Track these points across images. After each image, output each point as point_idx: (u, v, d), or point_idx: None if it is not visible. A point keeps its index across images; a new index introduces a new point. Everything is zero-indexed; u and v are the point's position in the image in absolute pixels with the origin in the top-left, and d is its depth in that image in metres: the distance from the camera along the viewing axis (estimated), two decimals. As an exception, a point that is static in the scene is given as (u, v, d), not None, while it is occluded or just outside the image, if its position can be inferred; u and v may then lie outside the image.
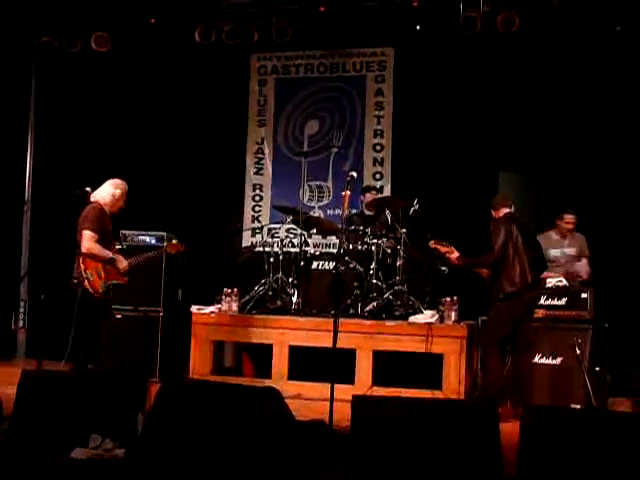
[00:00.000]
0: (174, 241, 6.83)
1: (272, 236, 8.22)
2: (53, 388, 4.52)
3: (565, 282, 6.76)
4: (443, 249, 6.43)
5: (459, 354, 6.64)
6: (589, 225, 7.63)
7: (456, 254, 6.40)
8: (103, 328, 6.10)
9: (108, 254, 6.10)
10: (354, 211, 8.38)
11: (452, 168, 8.49)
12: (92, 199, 6.22)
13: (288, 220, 8.05)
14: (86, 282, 5.97)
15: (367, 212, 8.10)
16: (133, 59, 9.26)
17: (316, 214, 9.06)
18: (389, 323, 6.95)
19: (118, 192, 6.26)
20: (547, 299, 6.60)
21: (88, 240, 6.01)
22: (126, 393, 4.40)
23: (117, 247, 6.37)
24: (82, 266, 6.00)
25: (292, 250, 8.10)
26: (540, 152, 8.28)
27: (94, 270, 6.03)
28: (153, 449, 3.99)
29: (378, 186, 8.95)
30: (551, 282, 6.75)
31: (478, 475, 3.55)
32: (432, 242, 6.52)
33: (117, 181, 6.32)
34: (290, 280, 7.55)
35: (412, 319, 6.90)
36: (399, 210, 7.60)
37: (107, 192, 6.24)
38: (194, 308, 7.45)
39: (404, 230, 7.38)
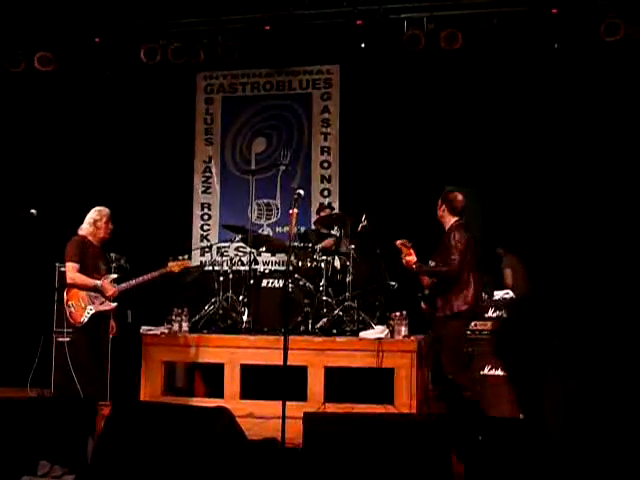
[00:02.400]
0: (180, 258, 6.77)
1: (221, 255, 8.16)
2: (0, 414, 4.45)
3: (512, 294, 6.87)
4: (405, 250, 6.24)
5: (410, 368, 6.66)
6: (535, 241, 7.77)
7: (415, 259, 6.19)
8: (80, 356, 6.15)
9: (91, 282, 6.19)
10: (303, 229, 8.42)
11: (399, 183, 8.59)
12: (79, 232, 6.34)
13: (237, 238, 8.06)
14: (67, 313, 6.12)
15: (320, 229, 8.14)
16: (78, 79, 9.18)
17: (265, 232, 9.08)
18: (340, 339, 6.97)
19: (96, 219, 6.34)
20: (495, 311, 6.70)
21: (69, 271, 6.17)
22: (75, 417, 4.35)
23: (112, 276, 6.39)
24: (65, 297, 6.17)
25: (242, 268, 8.11)
26: (485, 167, 8.44)
27: (77, 300, 6.15)
28: (103, 474, 3.94)
29: (326, 202, 9.00)
30: (498, 294, 6.86)
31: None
32: (399, 241, 6.28)
33: (95, 209, 6.41)
34: (240, 298, 7.55)
35: (362, 334, 6.92)
36: (347, 226, 7.66)
37: (87, 222, 6.36)
38: (144, 329, 7.38)
39: (352, 246, 7.43)
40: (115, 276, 6.40)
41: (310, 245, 7.70)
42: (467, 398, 5.89)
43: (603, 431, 3.10)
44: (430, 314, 6.28)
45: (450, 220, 6.20)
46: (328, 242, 7.83)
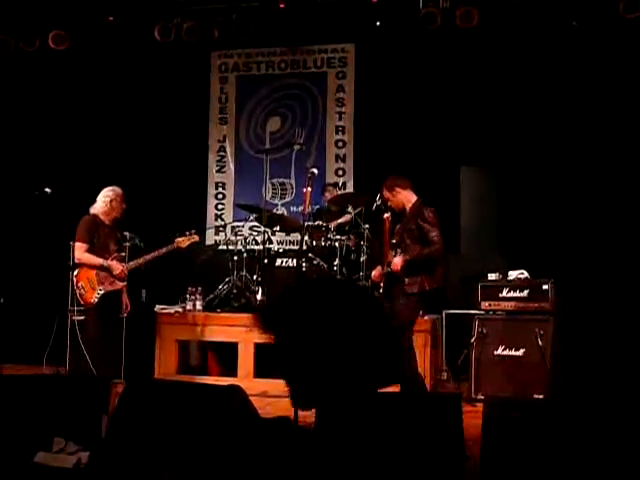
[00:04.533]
0: (187, 233, 6.77)
1: (235, 234, 8.19)
2: (13, 391, 4.46)
3: (526, 274, 6.83)
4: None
5: (424, 348, 6.66)
6: (548, 218, 7.71)
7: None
8: (92, 335, 6.20)
9: (98, 262, 6.23)
10: (317, 208, 8.41)
11: (414, 163, 8.50)
12: (91, 211, 6.38)
13: (251, 218, 8.06)
14: (78, 294, 6.20)
15: (333, 208, 8.11)
16: (92, 58, 9.16)
17: (279, 211, 9.07)
18: (354, 319, 6.95)
19: (111, 198, 6.37)
20: (509, 291, 6.67)
21: (77, 250, 6.23)
22: (89, 395, 4.36)
23: (122, 254, 6.44)
24: (75, 279, 6.22)
25: (255, 248, 8.09)
26: (502, 146, 8.35)
27: (86, 281, 6.21)
28: (117, 451, 3.95)
29: (340, 182, 8.98)
30: (513, 274, 6.82)
31: (441, 469, 3.58)
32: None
33: (108, 188, 6.44)
34: (254, 278, 7.57)
35: (376, 314, 6.88)
36: (362, 206, 7.63)
37: (99, 201, 6.39)
38: (158, 308, 7.41)
39: (367, 226, 7.40)
40: (123, 254, 6.40)
41: (324, 224, 7.68)
42: (411, 373, 5.78)
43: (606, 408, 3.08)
44: (387, 289, 6.04)
45: (412, 199, 6.05)
46: (346, 218, 7.77)
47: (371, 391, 2.57)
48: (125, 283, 6.36)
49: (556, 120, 8.18)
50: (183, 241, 6.70)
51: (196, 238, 6.85)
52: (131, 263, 6.43)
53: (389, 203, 6.05)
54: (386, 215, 5.91)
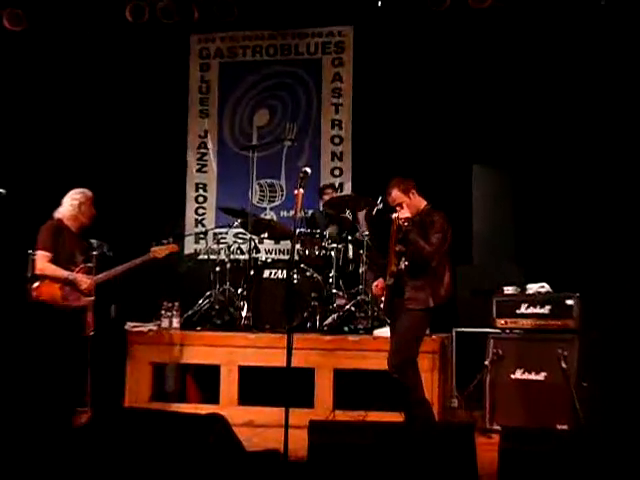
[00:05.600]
0: (164, 242, 6.73)
1: (218, 242, 8.17)
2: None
3: (548, 287, 6.81)
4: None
5: (431, 371, 6.62)
6: (572, 224, 7.70)
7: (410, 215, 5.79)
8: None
9: (63, 274, 6.13)
10: (310, 212, 8.40)
11: (420, 162, 8.50)
12: (55, 215, 6.29)
13: (236, 224, 8.04)
14: None
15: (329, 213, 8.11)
16: (53, 40, 9.11)
17: (267, 216, 9.07)
18: (352, 338, 6.94)
19: (77, 202, 6.30)
20: (528, 307, 6.64)
21: (39, 261, 6.11)
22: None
23: (89, 265, 6.34)
24: (34, 293, 6.08)
25: (241, 257, 8.10)
26: (519, 141, 8.33)
27: (48, 296, 6.08)
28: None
29: (337, 183, 8.97)
30: (533, 288, 6.79)
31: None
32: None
33: (76, 191, 6.37)
34: (239, 291, 7.55)
35: (377, 333, 6.88)
36: (361, 210, 7.61)
37: (66, 204, 6.31)
38: (129, 325, 7.37)
39: (367, 233, 7.37)
40: (90, 265, 6.34)
41: (318, 231, 7.67)
42: (416, 400, 5.78)
43: None
44: (389, 304, 6.06)
45: (421, 204, 5.99)
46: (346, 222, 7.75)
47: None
48: (93, 298, 6.30)
49: (581, 111, 8.16)
50: (160, 251, 6.66)
51: (175, 248, 6.82)
52: (100, 276, 6.34)
53: (399, 208, 5.96)
54: (395, 215, 5.87)
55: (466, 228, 7.88)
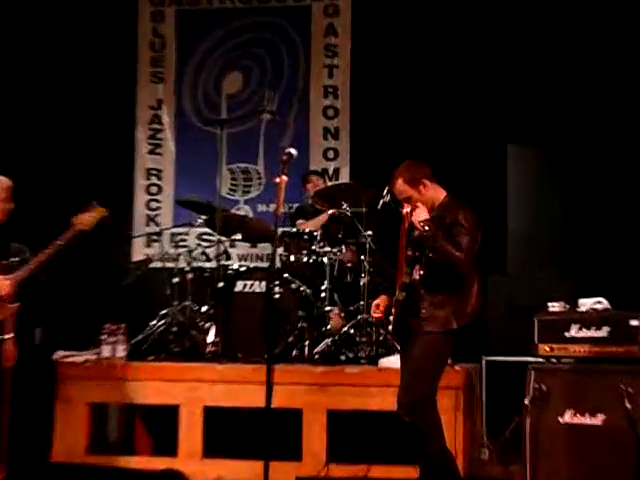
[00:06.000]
0: (88, 208, 6.64)
1: (177, 245, 8.25)
2: None
3: (606, 303, 6.77)
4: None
5: (454, 412, 6.61)
6: (637, 221, 7.70)
7: (427, 216, 5.70)
8: None
9: None
10: (296, 206, 8.41)
11: (439, 142, 8.54)
12: None
13: (199, 221, 8.02)
14: None
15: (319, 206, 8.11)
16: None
17: (241, 211, 9.13)
18: (350, 370, 6.92)
19: None
20: (580, 329, 6.61)
21: None
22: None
23: (3, 262, 6.28)
24: None
25: (206, 265, 8.09)
26: (557, 120, 8.42)
27: None
28: None
29: (331, 169, 9.03)
30: (586, 304, 6.76)
31: None
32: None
33: None
34: (204, 310, 7.56)
35: (383, 363, 6.87)
36: (362, 203, 7.58)
37: None
38: (59, 355, 7.35)
39: (370, 233, 7.36)
40: (6, 262, 6.31)
41: (307, 231, 7.67)
42: (434, 451, 5.76)
43: None
44: (400, 326, 6.05)
45: (439, 195, 5.96)
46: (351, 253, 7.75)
47: None
48: (16, 306, 6.25)
49: (628, 86, 8.21)
50: (86, 220, 6.54)
51: (104, 212, 6.65)
52: (18, 273, 6.26)
53: (409, 202, 5.91)
54: (406, 210, 5.81)
55: (499, 227, 7.88)
